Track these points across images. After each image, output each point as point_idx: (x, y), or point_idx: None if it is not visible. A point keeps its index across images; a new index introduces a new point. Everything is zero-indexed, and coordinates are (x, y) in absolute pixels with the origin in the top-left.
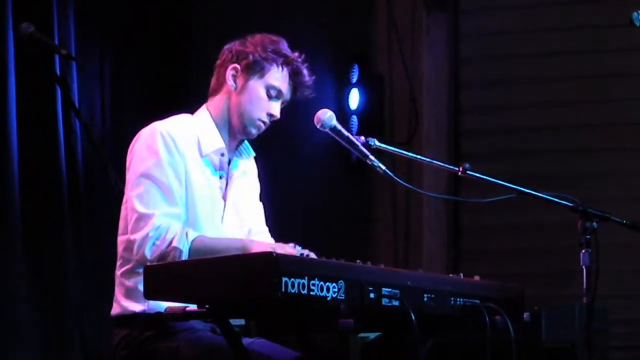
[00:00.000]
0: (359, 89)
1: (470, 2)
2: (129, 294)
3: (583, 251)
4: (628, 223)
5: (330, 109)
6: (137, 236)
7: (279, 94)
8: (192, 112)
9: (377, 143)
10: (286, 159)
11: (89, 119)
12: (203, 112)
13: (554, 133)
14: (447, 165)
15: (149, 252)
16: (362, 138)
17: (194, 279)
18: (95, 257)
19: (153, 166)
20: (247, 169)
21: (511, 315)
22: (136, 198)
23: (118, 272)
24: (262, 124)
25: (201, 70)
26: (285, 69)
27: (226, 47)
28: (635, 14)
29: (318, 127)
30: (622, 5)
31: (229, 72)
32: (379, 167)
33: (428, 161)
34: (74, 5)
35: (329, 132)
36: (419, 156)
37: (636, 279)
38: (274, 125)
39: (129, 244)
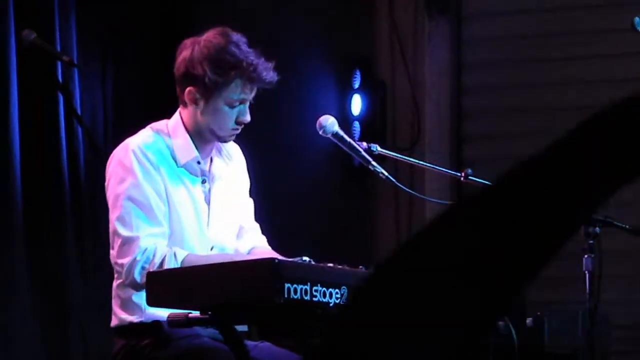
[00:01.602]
0: (361, 95)
1: (472, 8)
2: (125, 305)
3: (585, 256)
4: (630, 228)
5: (332, 115)
6: (125, 261)
7: (242, 101)
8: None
9: (379, 149)
10: (288, 165)
11: (91, 125)
12: (177, 121)
13: (556, 138)
14: (449, 171)
15: (138, 277)
16: (364, 144)
17: (196, 285)
18: (97, 262)
19: (131, 186)
20: (230, 166)
21: (514, 321)
22: (118, 221)
23: (114, 284)
24: (235, 132)
25: None
26: (240, 79)
27: (178, 58)
28: (637, 18)
29: (320, 133)
30: (623, 11)
31: (188, 96)
32: (381, 173)
33: (430, 167)
34: (76, 12)
35: (331, 138)
36: (421, 162)
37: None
38: (276, 130)
39: (117, 267)
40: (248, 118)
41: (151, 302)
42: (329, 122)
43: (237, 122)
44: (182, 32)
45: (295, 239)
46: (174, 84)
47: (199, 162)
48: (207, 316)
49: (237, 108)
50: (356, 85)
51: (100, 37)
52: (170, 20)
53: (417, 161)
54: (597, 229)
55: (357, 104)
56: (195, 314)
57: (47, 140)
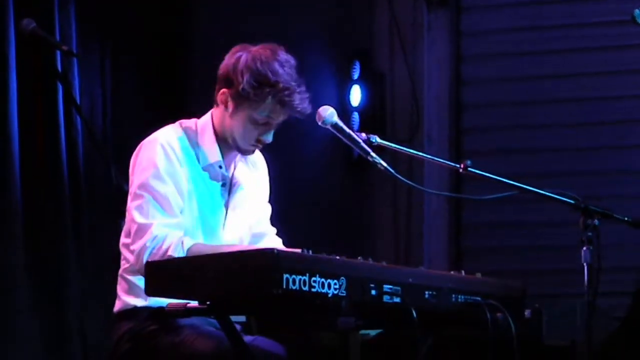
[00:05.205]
0: (360, 86)
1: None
2: (130, 289)
3: (584, 248)
4: (630, 220)
5: (332, 106)
6: (137, 246)
7: (267, 122)
8: (198, 116)
9: (378, 140)
10: (287, 156)
11: (89, 115)
12: (207, 120)
13: (555, 130)
14: (448, 162)
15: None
16: (364, 135)
17: (196, 275)
18: (95, 252)
19: (152, 177)
20: (252, 173)
21: (512, 313)
22: (135, 209)
23: (121, 271)
24: (253, 148)
25: (201, 67)
26: (272, 100)
27: (225, 60)
28: (637, 11)
29: (319, 124)
30: (623, 3)
31: (220, 96)
32: (380, 164)
33: (429, 158)
34: (75, 1)
35: (330, 129)
36: (420, 153)
37: None
38: None
39: (128, 253)
40: (269, 139)
41: (150, 292)
42: (328, 113)
43: (257, 141)
44: (181, 23)
45: (293, 230)
46: (174, 74)
47: (220, 167)
48: (205, 306)
49: (262, 128)
50: (355, 76)
51: (100, 27)
52: (169, 11)
53: (416, 152)
54: (596, 221)
55: (356, 95)
56: (194, 303)
57: (46, 130)
